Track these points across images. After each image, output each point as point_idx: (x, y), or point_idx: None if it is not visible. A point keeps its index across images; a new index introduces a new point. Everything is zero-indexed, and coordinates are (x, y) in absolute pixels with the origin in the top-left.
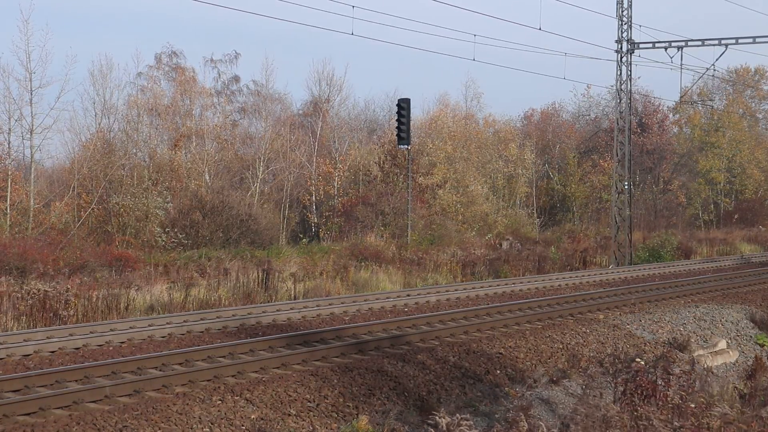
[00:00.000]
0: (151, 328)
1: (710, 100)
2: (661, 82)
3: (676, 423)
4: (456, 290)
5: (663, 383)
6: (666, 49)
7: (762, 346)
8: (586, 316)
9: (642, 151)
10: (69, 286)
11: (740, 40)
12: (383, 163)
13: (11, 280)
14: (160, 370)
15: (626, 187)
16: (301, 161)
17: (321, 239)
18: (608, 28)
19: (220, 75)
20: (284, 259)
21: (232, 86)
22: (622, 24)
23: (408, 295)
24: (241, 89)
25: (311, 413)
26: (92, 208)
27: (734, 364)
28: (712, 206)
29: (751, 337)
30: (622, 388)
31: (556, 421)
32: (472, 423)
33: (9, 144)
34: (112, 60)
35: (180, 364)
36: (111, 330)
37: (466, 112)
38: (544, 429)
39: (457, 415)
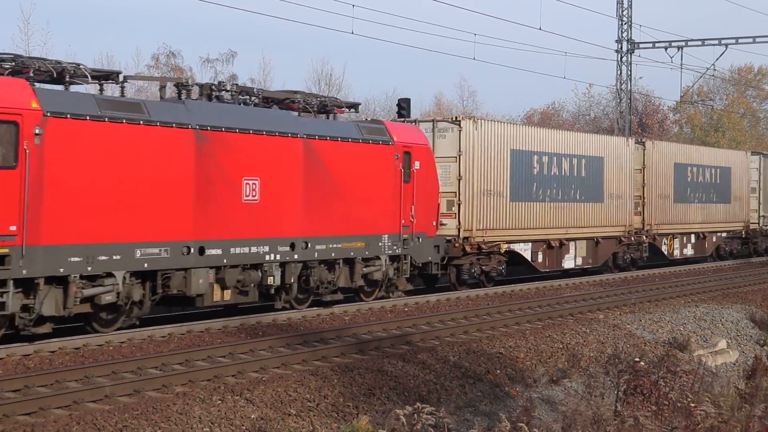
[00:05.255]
0: (151, 327)
1: (710, 99)
2: (661, 81)
3: (672, 423)
4: (456, 290)
5: (664, 383)
6: (666, 48)
7: (762, 345)
8: (586, 316)
9: None
10: None
11: (740, 40)
12: None
13: None
14: (160, 370)
15: None
16: None
17: None
18: (608, 28)
19: (217, 74)
20: None
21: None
22: (622, 24)
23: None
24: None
25: (311, 413)
26: None
27: (734, 364)
28: None
29: (751, 336)
30: (624, 388)
31: (558, 422)
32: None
33: None
34: (113, 59)
35: (180, 364)
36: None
37: (463, 111)
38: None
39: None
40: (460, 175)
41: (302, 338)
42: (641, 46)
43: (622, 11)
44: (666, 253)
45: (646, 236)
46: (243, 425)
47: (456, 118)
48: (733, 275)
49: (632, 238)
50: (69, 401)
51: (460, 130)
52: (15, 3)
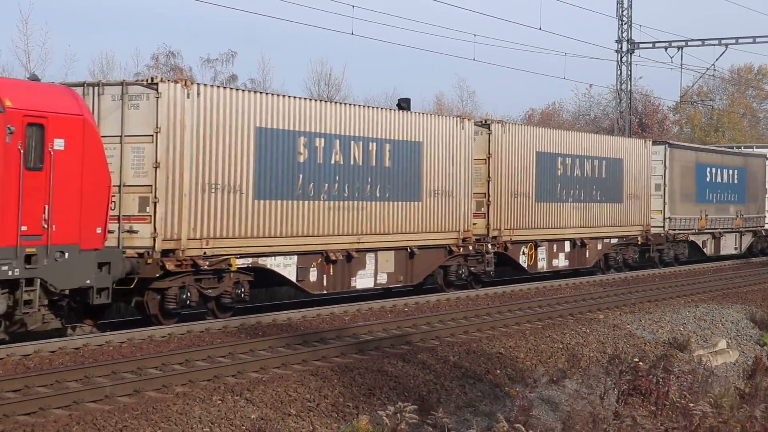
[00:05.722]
0: (151, 328)
1: (710, 99)
2: (661, 81)
3: (669, 423)
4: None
5: (663, 384)
6: (666, 48)
7: (762, 345)
8: (586, 316)
9: None
10: None
11: (740, 40)
12: None
13: None
14: (160, 370)
15: None
16: None
17: None
18: (608, 28)
19: (216, 74)
20: None
21: (230, 85)
22: (622, 24)
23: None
24: (239, 88)
25: (311, 413)
26: None
27: (734, 364)
28: None
29: (751, 336)
30: (624, 388)
31: (557, 422)
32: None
33: None
34: (113, 59)
35: (180, 364)
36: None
37: (462, 111)
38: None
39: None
40: (157, 161)
41: (302, 338)
42: (641, 46)
43: (622, 11)
44: (525, 265)
45: (493, 245)
46: (243, 425)
47: (152, 79)
48: (733, 275)
49: (470, 248)
50: (69, 401)
51: (158, 97)
52: (14, 3)
